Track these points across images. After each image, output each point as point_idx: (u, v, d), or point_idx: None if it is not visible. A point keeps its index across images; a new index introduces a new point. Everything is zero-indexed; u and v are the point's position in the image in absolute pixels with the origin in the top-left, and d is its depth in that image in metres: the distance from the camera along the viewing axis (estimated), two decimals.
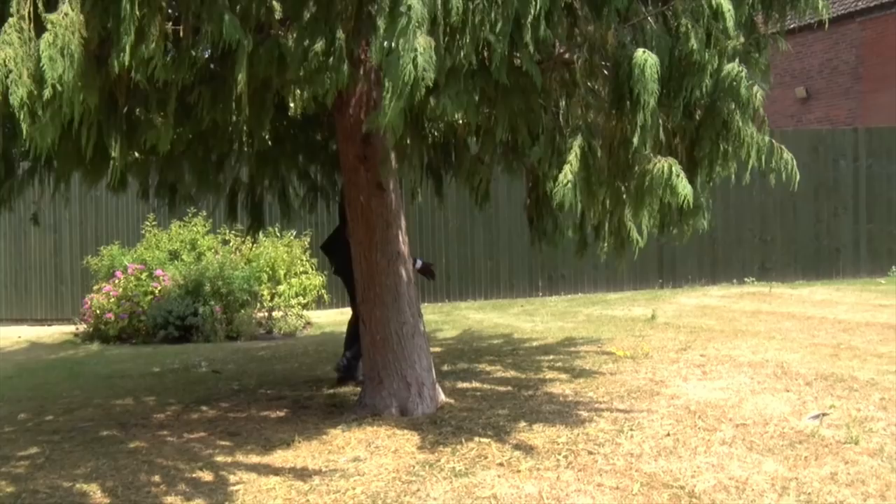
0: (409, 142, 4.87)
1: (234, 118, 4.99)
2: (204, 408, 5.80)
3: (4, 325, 11.78)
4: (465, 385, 5.93)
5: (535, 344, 7.81)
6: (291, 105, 6.04)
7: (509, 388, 5.79)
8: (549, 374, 6.22)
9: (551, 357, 6.95)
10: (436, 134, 5.83)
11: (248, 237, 9.76)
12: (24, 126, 2.66)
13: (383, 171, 5.00)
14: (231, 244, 10.91)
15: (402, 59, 3.01)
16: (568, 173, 3.88)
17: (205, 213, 10.85)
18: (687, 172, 4.47)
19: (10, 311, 12.21)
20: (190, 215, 10.67)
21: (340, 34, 3.39)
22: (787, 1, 4.68)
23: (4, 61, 2.54)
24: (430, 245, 11.83)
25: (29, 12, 2.63)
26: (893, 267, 12.31)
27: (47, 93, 2.61)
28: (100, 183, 5.22)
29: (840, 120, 18.37)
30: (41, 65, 2.57)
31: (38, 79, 2.65)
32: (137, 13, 2.92)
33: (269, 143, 5.91)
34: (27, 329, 11.47)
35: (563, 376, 6.10)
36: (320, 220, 11.05)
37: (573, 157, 3.99)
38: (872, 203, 12.57)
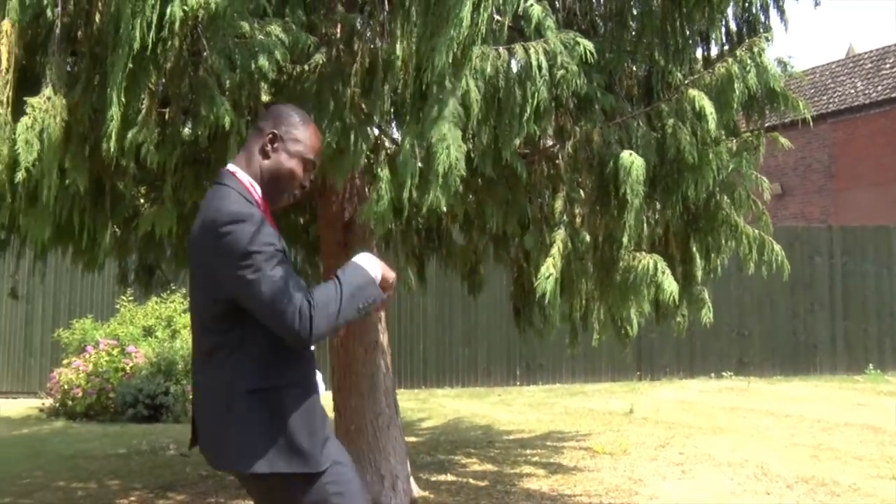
0: (394, 231, 4.87)
1: None
2: (170, 494, 5.60)
3: None
4: (441, 478, 5.78)
5: (512, 436, 7.68)
6: None
7: (486, 482, 5.65)
8: (527, 469, 6.09)
9: (529, 451, 6.82)
10: (420, 221, 5.85)
11: None
12: None
13: None
14: None
15: (437, 150, 3.03)
16: (550, 267, 3.87)
17: (184, 291, 10.72)
18: (682, 265, 4.50)
19: None
20: (169, 292, 10.53)
21: (353, 120, 3.41)
22: (768, 102, 4.79)
23: None
24: (407, 329, 11.74)
25: (8, 97, 2.61)
26: (870, 365, 12.34)
27: (19, 175, 2.57)
28: (82, 262, 5.16)
29: (814, 217, 18.71)
30: (16, 148, 2.54)
31: (12, 163, 2.61)
32: (124, 99, 2.92)
33: None
34: None
35: (541, 472, 5.97)
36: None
37: (556, 251, 3.99)
38: (848, 300, 12.69)
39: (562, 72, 3.75)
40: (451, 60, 2.92)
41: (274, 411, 2.05)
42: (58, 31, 2.78)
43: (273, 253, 2.02)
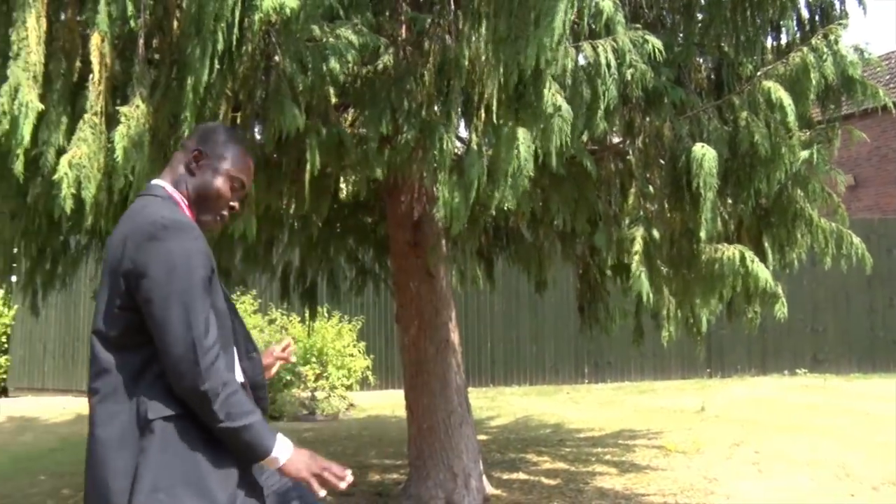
0: (464, 229, 4.88)
1: (284, 202, 5.08)
2: None
3: (51, 396, 11.86)
4: (513, 476, 5.78)
5: (582, 435, 7.62)
6: (343, 189, 6.13)
7: (558, 480, 5.62)
8: (599, 468, 6.04)
9: (600, 449, 6.77)
10: (488, 220, 5.85)
11: (302, 321, 9.82)
12: (89, 219, 2.70)
13: (434, 259, 4.99)
14: (277, 323, 10.94)
15: (505, 150, 3.03)
16: (638, 264, 3.85)
17: (254, 293, 10.92)
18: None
19: (57, 381, 12.29)
20: (239, 294, 10.72)
21: (434, 118, 3.45)
22: (844, 91, 4.65)
23: (79, 159, 2.60)
24: (475, 328, 11.75)
25: (101, 107, 2.70)
26: None
27: (121, 183, 2.65)
28: None
29: (890, 208, 18.09)
30: (115, 156, 2.62)
31: (109, 171, 2.70)
32: (198, 101, 2.98)
33: (319, 225, 5.98)
34: (73, 400, 11.52)
35: (613, 470, 5.92)
36: (367, 302, 11.08)
37: (638, 247, 3.96)
38: None
39: (631, 70, 3.72)
40: (539, 65, 2.92)
41: (184, 441, 1.87)
42: (141, 40, 2.86)
43: (203, 283, 1.89)
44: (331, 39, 3.41)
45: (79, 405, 11.04)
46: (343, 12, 3.63)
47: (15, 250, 4.84)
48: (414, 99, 3.50)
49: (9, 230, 3.78)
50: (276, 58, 3.54)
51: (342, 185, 6.06)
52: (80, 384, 12.15)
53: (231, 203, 2.11)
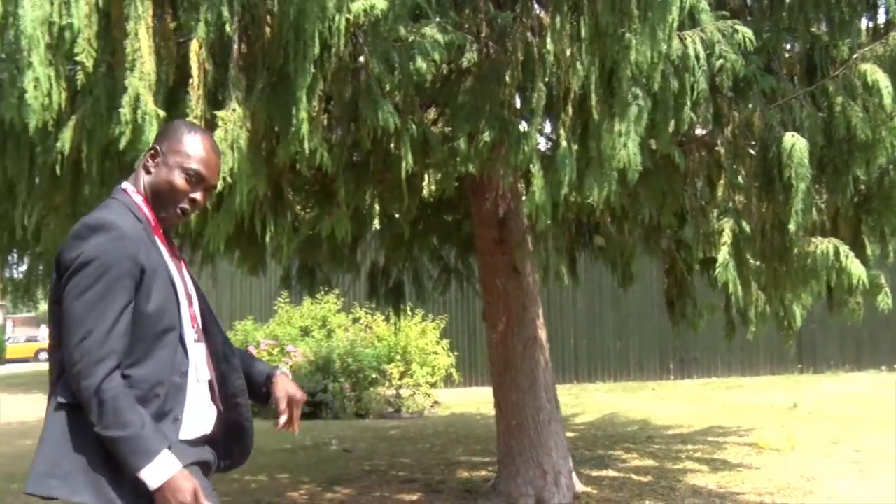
0: (550, 225, 4.85)
1: (368, 202, 5.13)
2: (336, 488, 5.80)
3: None
4: (602, 473, 5.72)
5: (671, 431, 7.50)
6: (425, 188, 6.16)
7: (648, 478, 5.54)
8: (690, 465, 5.93)
9: (690, 447, 6.64)
10: (571, 216, 5.81)
11: (386, 319, 9.90)
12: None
13: (520, 255, 4.98)
14: (362, 321, 11.07)
15: (615, 145, 3.00)
16: (725, 254, 3.77)
17: (337, 292, 11.08)
18: (852, 250, 4.29)
19: None
20: (323, 293, 10.91)
21: (514, 118, 3.46)
22: None
23: None
24: (558, 325, 11.67)
25: (201, 111, 2.78)
26: None
27: (220, 185, 2.72)
28: (248, 265, 5.42)
29: None
30: None
31: None
32: (307, 104, 3.04)
33: (407, 224, 6.02)
34: None
35: (705, 468, 5.80)
36: (450, 300, 11.13)
37: (727, 238, 3.88)
38: None
39: (720, 61, 3.64)
40: (653, 59, 2.90)
41: (87, 432, 1.84)
42: (235, 46, 2.93)
43: (116, 282, 1.87)
44: (416, 38, 3.44)
45: None
46: (429, 11, 3.65)
47: None
48: (498, 96, 3.49)
49: None
50: (362, 58, 3.58)
51: (424, 184, 6.09)
52: None
53: (191, 196, 2.07)
